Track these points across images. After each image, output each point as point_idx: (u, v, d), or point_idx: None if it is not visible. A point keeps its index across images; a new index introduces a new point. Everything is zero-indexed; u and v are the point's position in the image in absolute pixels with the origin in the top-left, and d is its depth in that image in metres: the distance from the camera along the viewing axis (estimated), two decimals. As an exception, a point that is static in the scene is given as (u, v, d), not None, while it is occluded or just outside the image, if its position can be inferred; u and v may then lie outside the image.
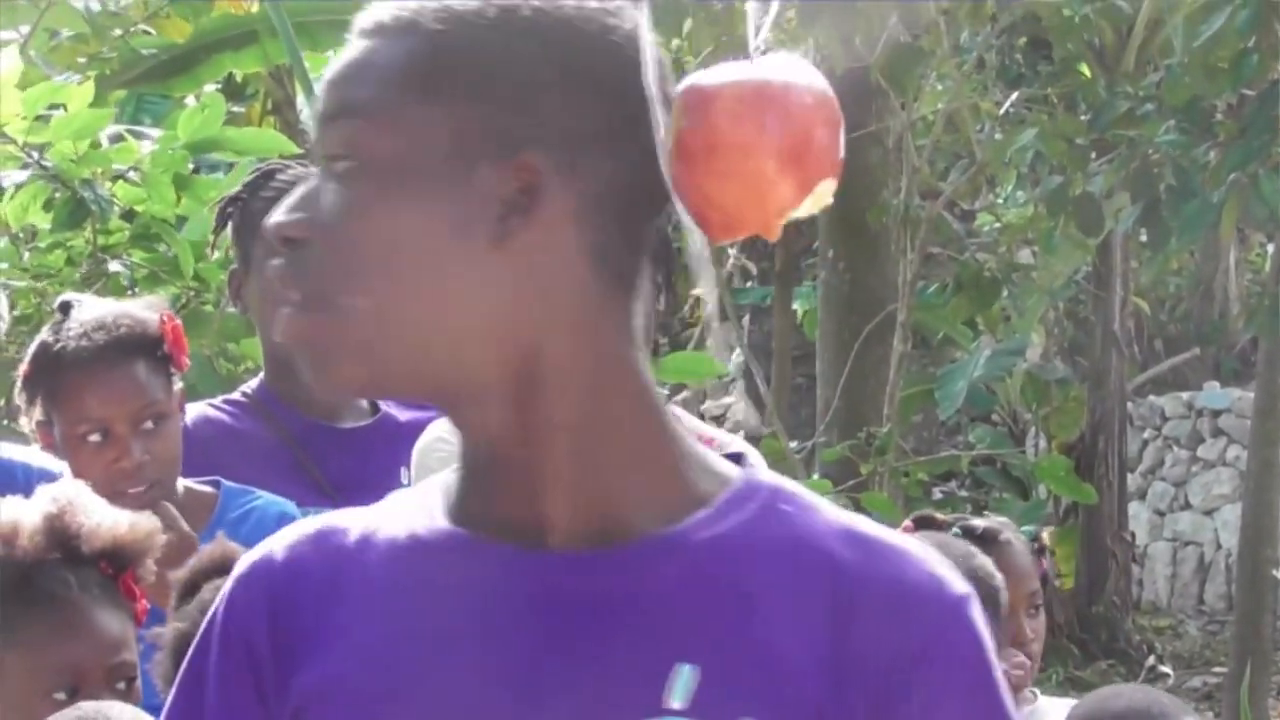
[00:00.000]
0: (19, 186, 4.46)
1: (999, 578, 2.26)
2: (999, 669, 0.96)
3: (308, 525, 1.09)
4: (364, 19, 0.98)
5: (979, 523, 3.05)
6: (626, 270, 1.00)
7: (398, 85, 0.94)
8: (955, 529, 3.00)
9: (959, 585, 0.97)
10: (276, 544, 1.08)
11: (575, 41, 0.97)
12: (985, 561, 2.26)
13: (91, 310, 2.48)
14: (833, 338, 5.42)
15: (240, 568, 1.09)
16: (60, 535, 1.99)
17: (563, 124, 0.94)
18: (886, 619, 0.93)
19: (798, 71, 1.32)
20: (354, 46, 1.00)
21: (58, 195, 4.32)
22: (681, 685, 0.92)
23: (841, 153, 1.36)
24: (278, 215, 1.06)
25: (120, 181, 4.36)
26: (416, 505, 1.06)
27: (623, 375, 1.00)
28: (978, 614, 0.96)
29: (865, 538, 0.96)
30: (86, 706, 1.75)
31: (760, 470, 1.06)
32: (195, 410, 2.64)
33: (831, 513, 1.00)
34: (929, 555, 0.98)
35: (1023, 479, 4.91)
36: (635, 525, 0.97)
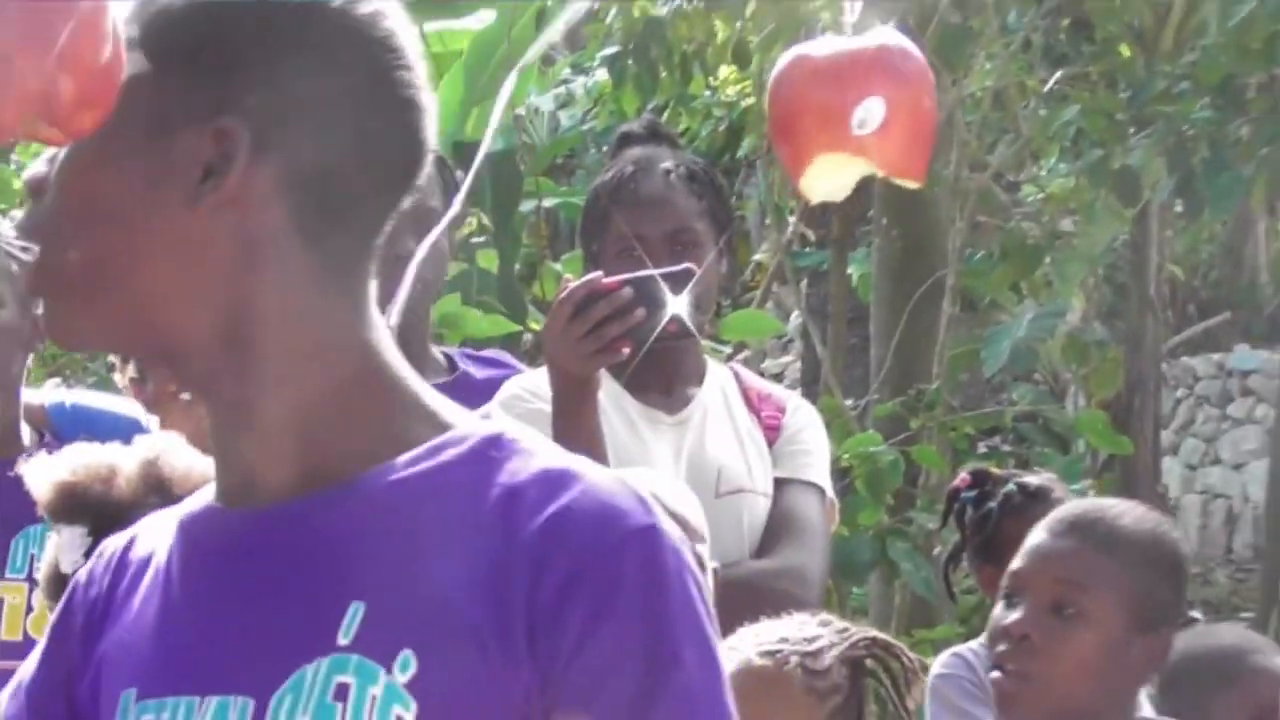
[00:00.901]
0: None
1: (1184, 549, 2.22)
2: (690, 600, 0.92)
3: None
4: None
5: (1032, 480, 2.87)
6: (346, 251, 0.97)
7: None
8: (1010, 485, 2.78)
9: (640, 518, 0.92)
10: (118, 539, 1.14)
11: (292, 19, 0.95)
12: (1170, 531, 2.19)
13: None
14: (886, 301, 5.40)
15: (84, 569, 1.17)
16: (155, 479, 2.12)
17: (266, 96, 0.91)
18: (552, 546, 0.92)
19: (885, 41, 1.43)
20: None
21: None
22: (349, 622, 0.94)
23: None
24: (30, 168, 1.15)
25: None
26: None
27: (336, 342, 0.99)
28: (659, 546, 0.92)
29: (560, 473, 0.94)
30: None
31: (498, 422, 1.08)
32: None
33: (544, 458, 0.97)
34: (618, 489, 0.95)
35: (1063, 434, 4.88)
36: (333, 475, 0.98)
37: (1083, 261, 5.13)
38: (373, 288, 1.00)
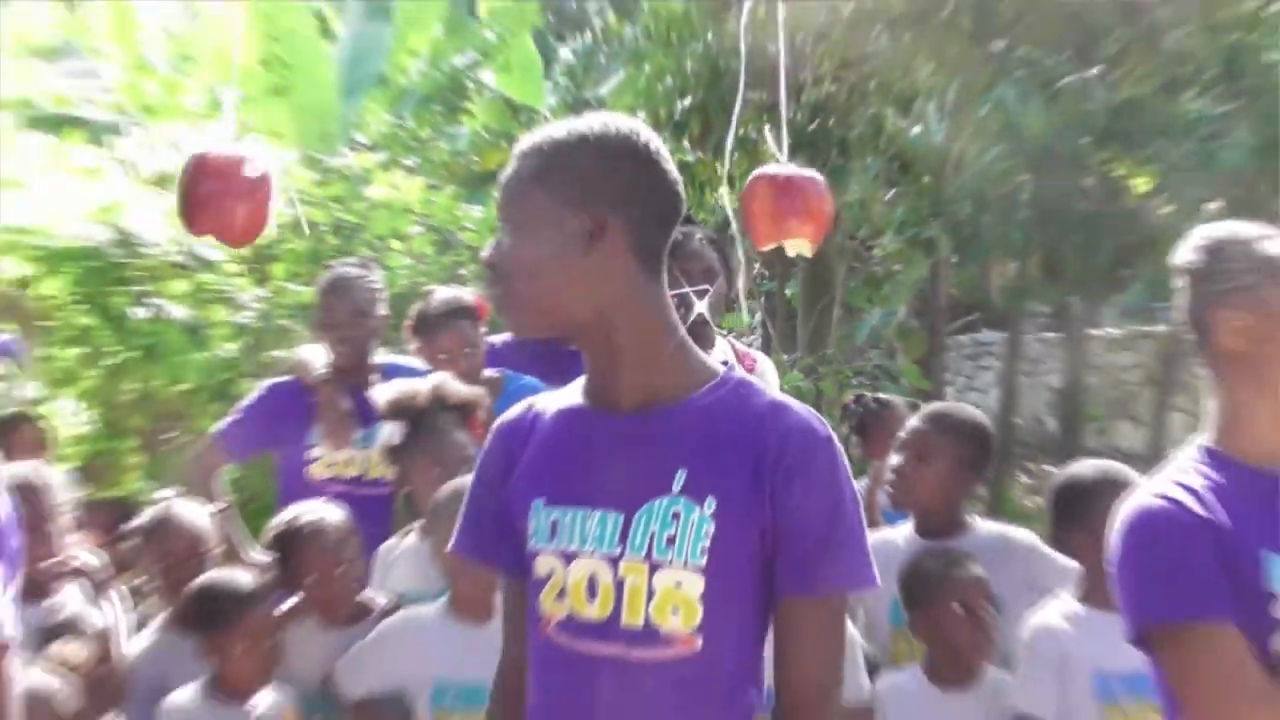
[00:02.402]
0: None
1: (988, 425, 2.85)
2: (849, 478, 1.34)
3: (530, 398, 1.53)
4: (517, 148, 1.40)
5: (884, 397, 3.81)
6: (655, 264, 1.34)
7: (528, 182, 1.34)
8: (872, 400, 3.70)
9: (824, 430, 1.33)
10: (519, 407, 1.51)
11: (617, 149, 1.34)
12: (979, 416, 2.84)
13: (443, 293, 3.33)
14: (806, 307, 6.45)
15: (498, 421, 1.52)
16: (439, 396, 2.82)
17: (613, 192, 1.31)
18: (781, 444, 1.31)
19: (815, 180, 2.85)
20: (513, 163, 1.39)
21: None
22: (678, 480, 1.34)
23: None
24: (484, 251, 2.00)
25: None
26: (572, 391, 1.48)
27: (655, 319, 1.36)
28: (834, 448, 1.34)
29: (780, 405, 1.34)
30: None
31: (739, 371, 1.51)
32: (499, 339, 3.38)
33: (768, 394, 1.37)
34: (809, 414, 1.35)
35: (896, 377, 6.27)
36: (662, 399, 1.36)
37: (906, 287, 6.49)
38: (664, 279, 1.37)
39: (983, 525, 2.79)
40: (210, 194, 2.84)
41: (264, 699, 2.48)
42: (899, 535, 2.68)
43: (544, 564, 1.41)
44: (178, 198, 2.90)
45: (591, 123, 1.38)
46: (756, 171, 3.11)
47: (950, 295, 7.21)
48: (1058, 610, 2.52)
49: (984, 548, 2.65)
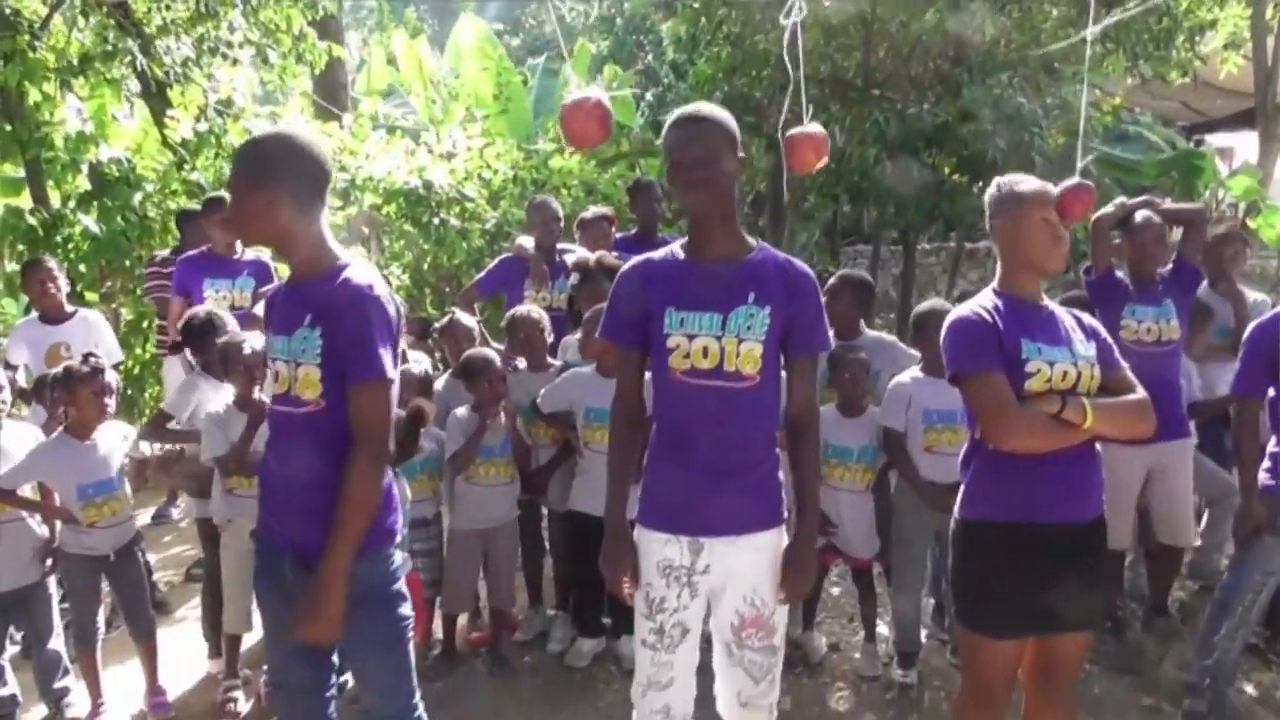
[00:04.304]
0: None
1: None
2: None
3: (642, 256, 2.22)
4: (693, 113, 2.07)
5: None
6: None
7: (717, 140, 2.05)
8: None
9: (810, 271, 2.11)
10: (640, 260, 2.22)
11: (731, 125, 1.98)
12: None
13: (593, 209, 4.64)
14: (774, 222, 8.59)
15: (628, 266, 2.23)
16: (598, 263, 3.69)
17: (734, 149, 2.08)
18: (794, 278, 2.18)
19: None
20: (696, 126, 2.04)
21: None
22: (750, 296, 2.16)
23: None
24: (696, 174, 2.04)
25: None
26: (677, 247, 2.16)
27: (732, 215, 2.10)
28: (815, 279, 2.11)
29: (789, 260, 2.19)
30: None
31: (762, 244, 2.19)
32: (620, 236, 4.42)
33: (781, 255, 2.17)
34: (802, 263, 2.10)
35: None
36: (733, 256, 2.16)
37: (818, 220, 8.41)
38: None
39: (869, 332, 3.86)
40: (575, 121, 3.56)
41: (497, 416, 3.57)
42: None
43: (674, 341, 2.13)
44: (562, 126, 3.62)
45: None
46: (793, 130, 4.00)
47: (842, 227, 9.22)
48: (907, 375, 3.53)
49: (868, 344, 3.74)
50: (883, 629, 3.80)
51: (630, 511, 2.29)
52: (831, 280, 3.77)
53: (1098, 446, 2.36)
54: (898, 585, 3.63)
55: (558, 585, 4.01)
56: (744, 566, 2.21)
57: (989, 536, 2.33)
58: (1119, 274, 3.86)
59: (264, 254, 4.87)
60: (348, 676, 2.80)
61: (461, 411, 3.66)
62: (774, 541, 2.25)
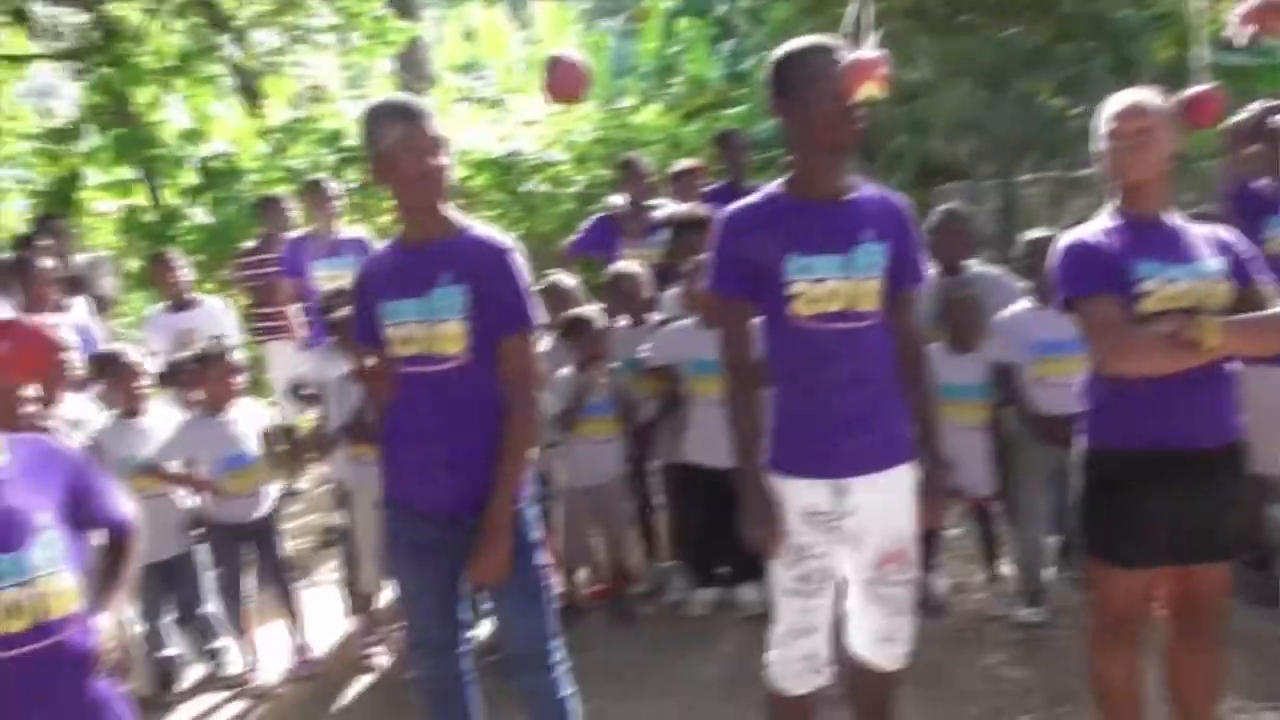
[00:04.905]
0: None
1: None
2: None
3: (738, 204, 2.17)
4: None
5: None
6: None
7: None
8: None
9: (906, 202, 2.12)
10: (741, 207, 2.18)
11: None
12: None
13: (683, 162, 4.88)
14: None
15: (729, 213, 2.16)
16: (693, 215, 3.93)
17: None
18: (900, 212, 2.21)
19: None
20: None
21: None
22: (868, 234, 2.15)
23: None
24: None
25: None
26: (775, 189, 2.13)
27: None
28: (913, 211, 2.10)
29: (891, 194, 2.19)
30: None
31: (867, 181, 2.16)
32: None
33: (883, 190, 2.17)
34: (903, 196, 2.11)
35: None
36: (844, 193, 2.15)
37: (908, 157, 9.28)
38: None
39: (974, 267, 3.84)
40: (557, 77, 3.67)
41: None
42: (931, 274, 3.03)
43: (798, 287, 2.12)
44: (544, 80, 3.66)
45: None
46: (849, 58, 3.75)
47: (936, 165, 8.43)
48: (1015, 309, 3.54)
49: (975, 279, 3.74)
50: (1006, 571, 3.76)
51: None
52: (933, 216, 3.75)
53: (1235, 366, 2.29)
54: (1019, 522, 3.59)
55: (672, 537, 4.06)
56: (885, 502, 2.23)
57: (1114, 465, 2.29)
58: (1259, 184, 3.68)
59: (360, 232, 5.13)
60: (478, 632, 2.96)
61: (565, 371, 3.74)
62: (910, 475, 2.27)
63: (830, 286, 2.11)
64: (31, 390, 1.68)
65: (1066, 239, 2.29)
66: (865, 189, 2.22)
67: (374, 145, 2.24)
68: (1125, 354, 2.17)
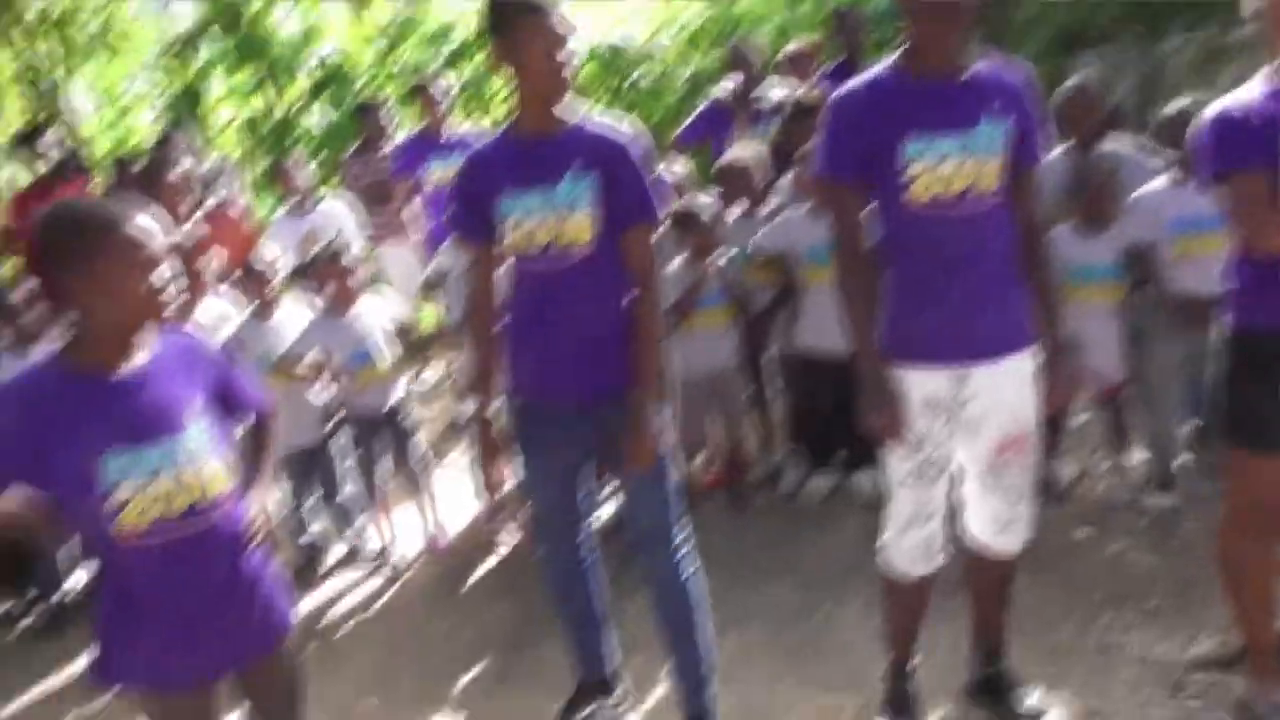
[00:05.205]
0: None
1: None
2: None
3: (855, 81, 2.13)
4: None
5: None
6: None
7: None
8: None
9: (1033, 80, 2.05)
10: (860, 85, 2.12)
11: None
12: None
13: (792, 44, 4.97)
14: None
15: (846, 93, 2.14)
16: (809, 101, 3.80)
17: None
18: (1023, 87, 2.15)
19: None
20: None
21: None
22: (990, 110, 2.07)
23: None
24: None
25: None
26: (889, 66, 2.08)
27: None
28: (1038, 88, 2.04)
29: (1011, 65, 2.13)
30: None
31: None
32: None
33: (999, 63, 2.08)
34: (1023, 68, 2.07)
35: None
36: (962, 71, 2.09)
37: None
38: None
39: (1109, 143, 3.68)
40: None
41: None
42: (1059, 150, 3.50)
43: (916, 170, 2.06)
44: None
45: None
46: None
47: (1071, 33, 7.81)
48: (1153, 185, 3.39)
49: (1110, 156, 3.56)
50: (1134, 459, 3.68)
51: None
52: (1066, 88, 3.60)
53: None
54: (1152, 408, 3.51)
55: (789, 424, 4.09)
56: (1006, 388, 2.18)
57: (1259, 346, 2.20)
58: None
59: (469, 129, 5.17)
60: (600, 515, 3.07)
61: (677, 263, 3.75)
62: (1032, 360, 2.22)
63: (949, 168, 2.05)
64: (175, 291, 1.76)
65: (1215, 108, 2.17)
66: (985, 63, 2.14)
67: (502, 36, 2.20)
68: (1272, 231, 2.07)
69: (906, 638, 2.48)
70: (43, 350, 2.53)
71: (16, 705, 3.21)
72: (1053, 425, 3.53)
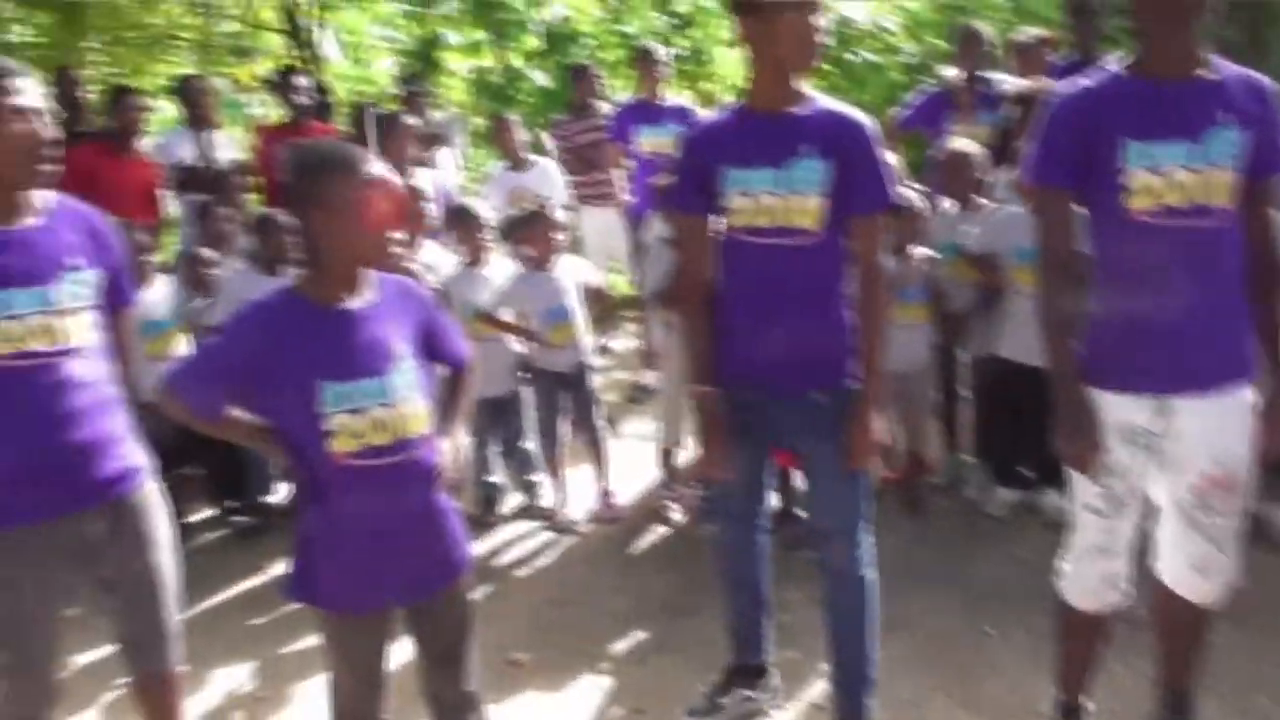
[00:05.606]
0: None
1: None
2: None
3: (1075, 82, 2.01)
4: None
5: None
6: None
7: None
8: None
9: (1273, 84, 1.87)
10: (1079, 89, 2.01)
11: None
12: None
13: (1028, 32, 4.58)
14: None
15: (1068, 95, 2.01)
16: (1037, 93, 2.69)
17: None
18: (1259, 95, 1.94)
19: None
20: None
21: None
22: (1224, 114, 1.90)
23: None
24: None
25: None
26: (1119, 68, 1.94)
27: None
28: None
29: (1253, 74, 1.90)
30: None
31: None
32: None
33: (1242, 70, 1.91)
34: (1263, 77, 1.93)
35: None
36: (1193, 76, 1.91)
37: None
38: None
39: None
40: None
41: None
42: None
43: (1138, 178, 1.94)
44: None
45: None
46: None
47: None
48: None
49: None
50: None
51: None
52: None
53: None
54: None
55: (977, 432, 3.95)
56: (1214, 424, 2.04)
57: None
58: None
59: (684, 100, 5.12)
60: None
61: (877, 253, 3.67)
62: (1247, 396, 2.06)
63: (1173, 178, 1.92)
64: (399, 235, 1.89)
65: None
66: (1225, 69, 1.99)
67: (758, 6, 2.16)
68: None
69: (1078, 675, 2.35)
70: (282, 278, 2.70)
71: (208, 603, 3.47)
72: (1276, 467, 3.29)
